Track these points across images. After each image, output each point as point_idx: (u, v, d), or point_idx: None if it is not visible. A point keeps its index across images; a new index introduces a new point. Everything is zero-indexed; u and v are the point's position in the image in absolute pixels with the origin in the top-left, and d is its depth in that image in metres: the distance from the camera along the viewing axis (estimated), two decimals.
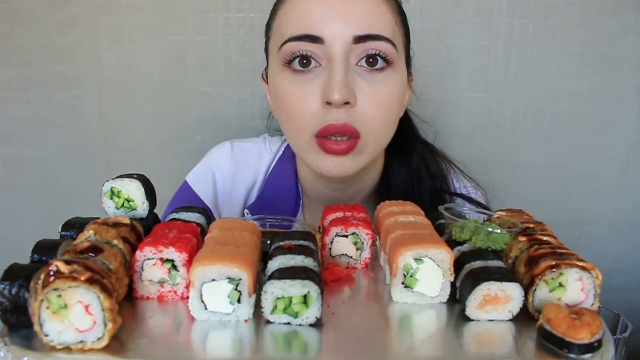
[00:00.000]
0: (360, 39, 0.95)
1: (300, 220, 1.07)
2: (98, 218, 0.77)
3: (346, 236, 0.81)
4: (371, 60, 0.97)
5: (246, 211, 1.18)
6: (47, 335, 0.57)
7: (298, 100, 0.99)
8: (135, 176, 0.83)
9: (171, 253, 0.69)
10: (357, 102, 0.96)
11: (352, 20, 0.95)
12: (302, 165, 1.15)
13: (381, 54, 0.97)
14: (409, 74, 1.11)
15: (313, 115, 0.97)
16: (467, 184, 1.24)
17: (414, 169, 1.17)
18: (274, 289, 0.63)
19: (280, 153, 1.23)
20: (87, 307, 0.57)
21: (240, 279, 0.63)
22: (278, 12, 1.03)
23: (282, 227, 0.96)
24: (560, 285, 0.66)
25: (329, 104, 0.95)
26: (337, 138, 0.97)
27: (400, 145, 1.16)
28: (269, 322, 0.64)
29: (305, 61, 0.97)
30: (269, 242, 0.75)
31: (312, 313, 0.63)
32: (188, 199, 1.21)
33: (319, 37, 0.95)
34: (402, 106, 1.08)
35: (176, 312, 0.68)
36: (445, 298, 0.70)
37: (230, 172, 1.22)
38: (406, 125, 1.20)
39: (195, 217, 0.83)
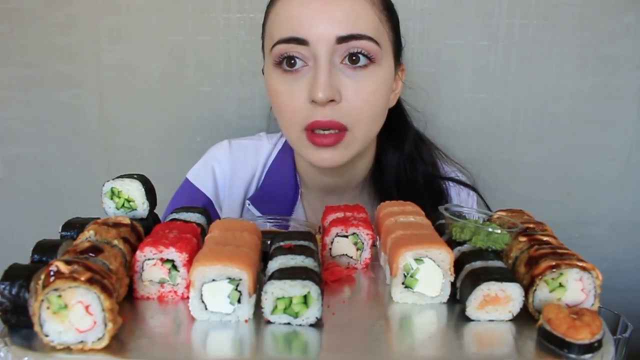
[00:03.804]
0: (342, 39, 0.99)
1: (300, 220, 1.07)
2: (98, 218, 0.77)
3: (346, 236, 0.81)
4: (354, 58, 1.01)
5: (247, 202, 1.21)
6: (47, 335, 0.58)
7: (287, 97, 1.04)
8: (135, 176, 0.83)
9: (171, 253, 0.69)
10: (342, 99, 1.01)
11: (334, 21, 0.99)
12: (299, 156, 1.20)
13: (363, 52, 1.01)
14: (399, 64, 1.14)
15: (301, 111, 1.03)
16: (454, 168, 1.31)
17: (406, 154, 1.23)
18: (274, 289, 0.63)
19: (280, 146, 1.28)
20: (87, 307, 0.57)
21: (240, 279, 0.63)
22: (269, 15, 1.08)
23: (282, 227, 0.96)
24: (560, 285, 0.66)
25: (314, 101, 1.00)
26: (324, 131, 1.02)
27: (392, 132, 1.21)
28: (269, 322, 0.64)
29: (292, 61, 1.03)
30: (269, 242, 0.75)
31: (312, 313, 0.63)
32: (189, 194, 1.23)
33: (304, 39, 1.00)
34: (389, 97, 1.11)
35: (176, 312, 0.68)
36: (445, 298, 0.70)
37: (229, 166, 1.25)
38: (398, 113, 1.25)
39: (195, 217, 0.83)
